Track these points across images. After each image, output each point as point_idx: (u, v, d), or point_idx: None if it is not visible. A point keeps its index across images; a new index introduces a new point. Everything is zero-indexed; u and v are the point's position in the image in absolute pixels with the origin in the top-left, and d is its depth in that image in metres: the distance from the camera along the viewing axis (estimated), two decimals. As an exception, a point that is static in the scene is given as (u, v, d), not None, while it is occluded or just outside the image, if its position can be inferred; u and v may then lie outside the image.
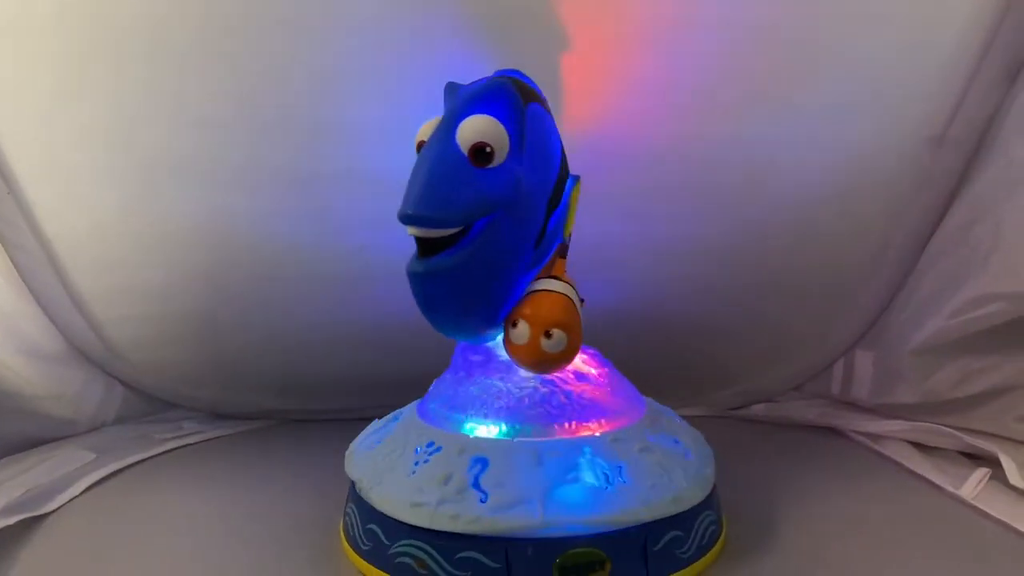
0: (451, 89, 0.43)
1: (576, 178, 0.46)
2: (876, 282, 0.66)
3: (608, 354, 0.48)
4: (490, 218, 0.40)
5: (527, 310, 0.41)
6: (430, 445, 0.43)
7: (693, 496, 0.42)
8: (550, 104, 0.46)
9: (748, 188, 0.62)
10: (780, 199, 0.63)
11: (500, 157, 0.40)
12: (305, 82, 0.58)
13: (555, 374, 0.44)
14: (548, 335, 0.40)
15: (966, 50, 0.56)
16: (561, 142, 0.46)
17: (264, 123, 0.59)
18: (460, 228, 0.39)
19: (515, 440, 0.41)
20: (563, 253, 0.44)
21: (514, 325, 0.41)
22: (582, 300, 0.44)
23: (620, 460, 0.41)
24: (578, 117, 0.57)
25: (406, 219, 0.38)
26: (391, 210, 0.53)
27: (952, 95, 0.58)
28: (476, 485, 0.40)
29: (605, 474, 0.40)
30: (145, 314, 0.67)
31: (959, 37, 0.56)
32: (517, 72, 0.44)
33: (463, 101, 0.41)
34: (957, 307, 0.59)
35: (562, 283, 0.42)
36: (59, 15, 0.56)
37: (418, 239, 0.40)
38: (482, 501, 0.39)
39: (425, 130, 0.41)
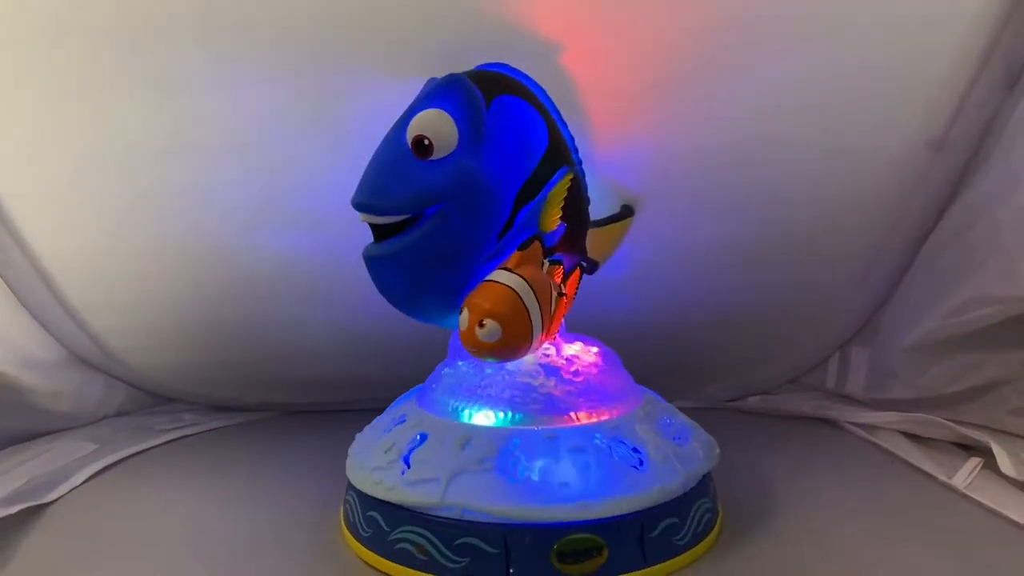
0: (427, 84, 0.45)
1: (565, 171, 0.46)
2: (873, 280, 0.67)
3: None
4: (438, 207, 0.41)
5: (471, 298, 0.42)
6: (403, 418, 0.45)
7: (610, 507, 0.40)
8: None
9: (748, 188, 0.62)
10: (780, 198, 0.63)
11: (444, 150, 0.41)
12: (291, 100, 0.58)
13: (524, 366, 0.44)
14: (481, 324, 0.41)
15: (967, 56, 0.56)
16: (554, 134, 0.46)
17: (250, 144, 0.59)
18: (408, 216, 0.41)
19: (455, 423, 0.43)
20: (525, 246, 0.44)
21: (460, 311, 0.42)
22: (562, 294, 0.44)
23: (542, 457, 0.41)
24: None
25: (355, 207, 0.41)
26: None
27: (953, 99, 0.58)
28: (406, 458, 0.42)
29: (520, 468, 0.40)
30: (141, 325, 0.68)
31: (961, 42, 0.56)
32: (500, 65, 0.45)
33: (422, 96, 0.43)
34: (953, 308, 0.59)
35: (512, 275, 0.42)
36: (51, 40, 0.56)
37: (371, 225, 0.42)
38: (403, 473, 0.42)
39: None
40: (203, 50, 0.56)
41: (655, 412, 0.46)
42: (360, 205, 0.41)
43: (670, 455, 0.43)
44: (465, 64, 0.45)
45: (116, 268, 0.65)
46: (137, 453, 0.61)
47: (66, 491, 0.53)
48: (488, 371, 0.45)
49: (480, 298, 0.41)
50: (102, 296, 0.66)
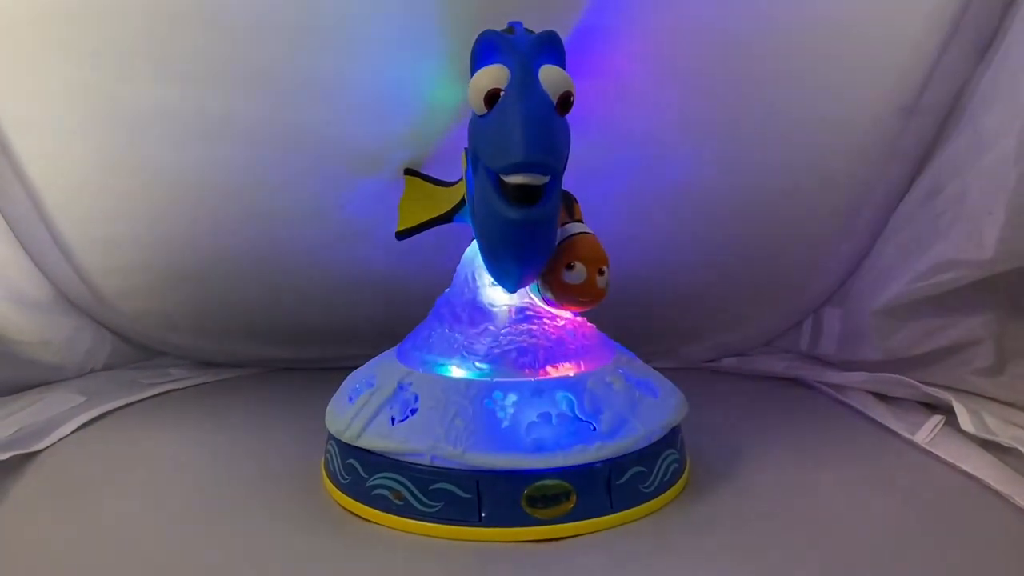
0: (501, 39, 0.40)
1: None
2: (847, 245, 0.68)
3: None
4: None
5: (577, 252, 0.44)
6: (382, 371, 0.47)
7: (579, 455, 0.41)
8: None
9: (726, 152, 0.63)
10: (758, 164, 0.64)
11: None
12: (287, 38, 0.58)
13: (499, 321, 0.46)
14: (601, 272, 0.45)
15: (937, 25, 0.57)
16: None
17: (246, 77, 0.60)
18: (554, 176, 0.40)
19: (432, 375, 0.45)
20: (570, 203, 0.49)
21: (571, 267, 0.44)
22: None
23: (515, 408, 0.42)
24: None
25: (518, 167, 0.37)
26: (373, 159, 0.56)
27: (924, 66, 0.59)
28: (382, 408, 0.44)
29: (494, 418, 0.42)
30: (133, 265, 0.68)
31: (931, 12, 0.57)
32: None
33: (533, 49, 0.39)
34: (920, 272, 0.61)
35: (584, 226, 0.47)
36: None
37: (520, 187, 0.38)
38: (381, 423, 0.44)
39: (494, 77, 0.39)
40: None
41: (625, 366, 0.48)
42: (525, 165, 0.37)
43: (639, 406, 0.45)
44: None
45: (108, 205, 0.65)
46: (125, 406, 0.63)
47: (55, 440, 0.55)
48: (458, 335, 0.46)
49: (590, 250, 0.44)
50: (95, 234, 0.66)
